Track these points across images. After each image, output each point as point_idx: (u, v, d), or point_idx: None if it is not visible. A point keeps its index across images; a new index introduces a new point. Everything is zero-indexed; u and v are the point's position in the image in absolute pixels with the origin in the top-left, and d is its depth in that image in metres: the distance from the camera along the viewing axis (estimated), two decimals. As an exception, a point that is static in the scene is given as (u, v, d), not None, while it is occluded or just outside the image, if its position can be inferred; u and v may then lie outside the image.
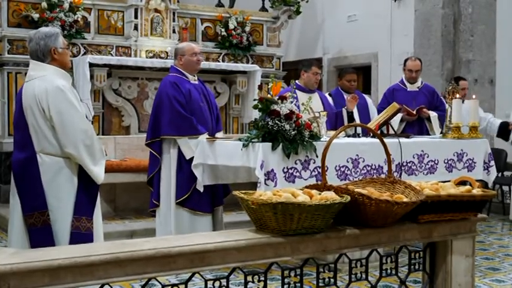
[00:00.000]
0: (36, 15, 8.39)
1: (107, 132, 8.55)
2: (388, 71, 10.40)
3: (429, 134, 6.91)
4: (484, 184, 5.80)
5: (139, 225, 6.82)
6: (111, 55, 8.83)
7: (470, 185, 3.08)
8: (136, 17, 9.03)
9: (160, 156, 5.65)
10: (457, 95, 5.87)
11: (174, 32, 9.33)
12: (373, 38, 10.70)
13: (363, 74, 11.42)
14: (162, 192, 5.68)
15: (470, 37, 9.28)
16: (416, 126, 6.98)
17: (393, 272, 2.89)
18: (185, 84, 5.61)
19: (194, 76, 5.76)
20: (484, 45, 9.32)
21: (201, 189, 5.31)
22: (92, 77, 8.11)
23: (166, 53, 9.13)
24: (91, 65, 8.09)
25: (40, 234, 3.82)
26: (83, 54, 8.60)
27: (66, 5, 8.51)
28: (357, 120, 6.56)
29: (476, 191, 2.98)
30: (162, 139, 5.61)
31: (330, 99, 6.91)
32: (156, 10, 9.15)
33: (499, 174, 7.98)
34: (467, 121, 5.92)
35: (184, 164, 5.50)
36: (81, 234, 3.85)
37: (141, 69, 8.74)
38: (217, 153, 5.12)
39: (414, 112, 6.90)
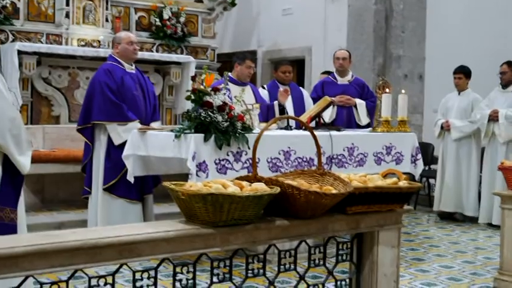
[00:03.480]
0: (-39, 0, 8.10)
1: (35, 121, 8.34)
2: (321, 65, 10.50)
3: (357, 123, 7.04)
4: (411, 177, 5.95)
5: (68, 217, 6.69)
6: (41, 43, 8.61)
7: (398, 177, 3.15)
8: (67, 4, 8.83)
9: (93, 143, 5.68)
10: (387, 90, 6.00)
11: (107, 20, 9.17)
12: (307, 32, 10.80)
13: (297, 68, 11.51)
14: (94, 179, 5.68)
15: (401, 33, 9.50)
16: (345, 115, 7.10)
17: (321, 262, 2.93)
18: (119, 72, 5.68)
19: (131, 65, 5.82)
20: (414, 41, 9.56)
21: (132, 180, 5.27)
22: (20, 64, 7.89)
23: (99, 41, 8.97)
24: (20, 52, 7.86)
25: (-38, 224, 3.71)
26: (11, 41, 8.35)
27: (-7, -10, 8.24)
28: (290, 113, 6.61)
29: (403, 183, 3.05)
30: (94, 126, 5.66)
31: (265, 92, 6.94)
32: (88, -2, 8.98)
33: (426, 168, 8.20)
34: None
35: (112, 150, 5.53)
36: (4, 225, 3.75)
37: (72, 58, 8.55)
38: (148, 144, 5.08)
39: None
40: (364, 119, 7.05)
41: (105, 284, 2.32)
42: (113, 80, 5.60)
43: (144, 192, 5.76)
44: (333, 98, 6.43)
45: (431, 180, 8.78)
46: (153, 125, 5.71)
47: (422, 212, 8.48)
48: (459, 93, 8.10)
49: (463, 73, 8.04)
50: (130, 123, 5.52)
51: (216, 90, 4.79)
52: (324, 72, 8.96)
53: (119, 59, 5.77)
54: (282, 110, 6.54)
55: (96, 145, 5.71)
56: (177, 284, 2.50)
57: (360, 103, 7.11)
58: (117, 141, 5.51)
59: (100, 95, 5.56)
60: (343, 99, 7.07)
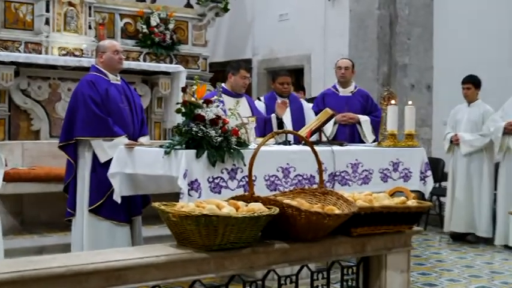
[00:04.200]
0: None
1: (13, 137, 8.33)
2: (321, 73, 10.53)
3: (361, 140, 7.04)
4: (420, 195, 5.94)
5: (49, 241, 6.67)
6: (19, 52, 8.63)
7: (406, 196, 3.15)
8: (48, 11, 8.86)
9: (76, 161, 5.64)
10: (393, 101, 6.00)
11: (90, 27, 9.20)
12: (305, 39, 10.84)
13: (295, 77, 11.54)
14: (78, 200, 5.65)
15: (407, 40, 9.53)
16: (348, 131, 7.11)
17: (325, 288, 2.93)
18: (103, 84, 5.65)
19: (116, 76, 5.80)
20: (421, 49, 9.58)
21: (119, 201, 5.25)
22: (-4, 75, 7.91)
23: (81, 50, 8.99)
24: (-4, 62, 7.89)
25: None
26: (-14, 51, 8.37)
27: (-32, -4, 8.28)
28: (288, 127, 6.61)
29: (412, 202, 3.05)
30: (77, 142, 5.62)
31: (262, 104, 6.95)
32: (70, 3, 9.01)
33: (436, 185, 8.19)
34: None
35: (98, 168, 5.49)
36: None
37: (53, 68, 8.56)
38: (136, 161, 5.07)
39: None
40: (369, 137, 7.04)
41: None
42: (97, 92, 5.57)
43: (132, 214, 5.73)
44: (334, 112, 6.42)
45: (442, 199, 8.75)
46: (141, 140, 5.69)
47: (434, 233, 8.46)
48: (469, 105, 8.07)
49: (471, 83, 7.99)
50: (117, 138, 5.48)
51: (208, 102, 4.79)
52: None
53: (103, 70, 5.75)
54: (280, 123, 6.54)
55: (80, 163, 5.65)
56: (169, 314, 2.50)
57: (364, 120, 7.11)
58: (103, 159, 5.48)
59: (83, 108, 5.52)
60: (346, 119, 7.07)
